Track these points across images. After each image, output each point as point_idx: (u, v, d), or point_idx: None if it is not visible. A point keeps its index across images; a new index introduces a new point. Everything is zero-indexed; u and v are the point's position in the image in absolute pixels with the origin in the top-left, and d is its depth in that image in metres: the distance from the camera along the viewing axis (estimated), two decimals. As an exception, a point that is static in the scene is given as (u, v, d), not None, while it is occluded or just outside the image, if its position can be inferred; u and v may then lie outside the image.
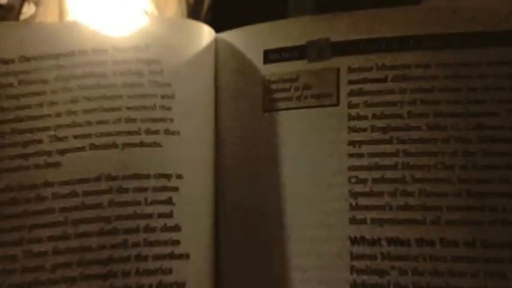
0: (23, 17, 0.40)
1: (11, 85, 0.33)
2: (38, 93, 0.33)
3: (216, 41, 0.35)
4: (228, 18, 0.35)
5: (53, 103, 0.32)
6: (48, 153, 0.32)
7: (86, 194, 0.31)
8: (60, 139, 0.32)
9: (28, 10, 0.40)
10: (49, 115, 0.32)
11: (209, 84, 0.35)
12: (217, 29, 0.36)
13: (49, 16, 0.39)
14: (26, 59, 0.33)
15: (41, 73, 0.33)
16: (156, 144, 0.32)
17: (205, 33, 0.35)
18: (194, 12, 0.41)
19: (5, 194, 0.31)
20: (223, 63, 0.35)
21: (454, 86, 0.32)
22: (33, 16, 0.40)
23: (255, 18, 0.35)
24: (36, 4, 0.41)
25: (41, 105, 0.32)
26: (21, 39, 0.34)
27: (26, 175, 0.31)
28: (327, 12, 0.34)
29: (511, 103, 0.31)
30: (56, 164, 0.31)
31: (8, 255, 0.30)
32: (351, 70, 0.33)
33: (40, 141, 0.32)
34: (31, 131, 0.32)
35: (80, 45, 0.33)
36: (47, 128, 0.32)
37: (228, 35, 0.35)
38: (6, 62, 0.33)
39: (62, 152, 0.32)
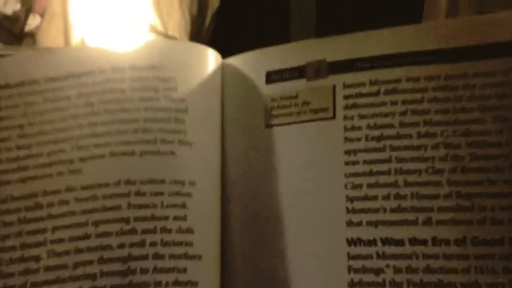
0: (27, 28, 0.43)
1: (36, 103, 0.36)
2: (61, 109, 0.36)
3: (223, 64, 0.39)
4: (234, 43, 0.38)
5: (75, 116, 0.35)
6: (71, 161, 0.34)
7: (105, 197, 0.33)
8: (81, 148, 0.34)
9: (33, 21, 0.43)
10: (71, 127, 0.35)
11: (217, 101, 0.38)
12: (224, 53, 0.39)
13: (54, 27, 0.43)
14: (51, 79, 0.36)
15: (64, 91, 0.36)
16: (171, 153, 0.35)
17: (214, 57, 0.38)
18: (197, 24, 0.44)
19: (31, 200, 0.34)
20: (229, 83, 0.38)
21: (443, 96, 0.34)
22: (37, 27, 0.43)
23: (259, 43, 0.38)
24: (41, 15, 0.44)
25: (64, 119, 0.35)
26: (45, 61, 0.37)
27: (50, 182, 0.34)
28: (326, 35, 0.37)
29: (496, 110, 0.33)
30: (78, 171, 0.34)
31: (32, 256, 0.33)
32: (346, 86, 0.35)
33: (63, 151, 0.35)
34: (55, 142, 0.35)
35: (100, 65, 0.36)
36: (69, 139, 0.35)
37: (234, 59, 0.39)
38: (32, 82, 0.37)
39: (83, 160, 0.34)
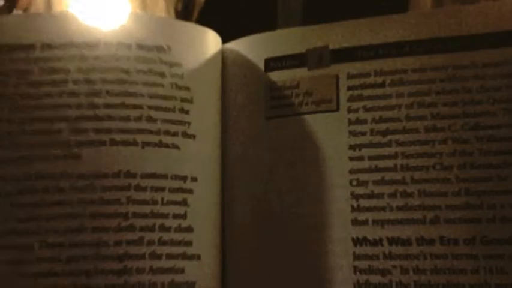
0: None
1: (31, 72, 0.33)
2: (58, 83, 0.33)
3: (223, 49, 0.37)
4: (218, 30, 0.36)
5: (74, 94, 0.32)
6: (68, 145, 0.32)
7: (104, 189, 0.31)
8: (80, 131, 0.32)
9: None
10: (69, 106, 0.32)
11: (218, 91, 0.36)
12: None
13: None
14: (48, 46, 0.33)
15: (63, 62, 0.33)
16: (174, 146, 0.33)
17: (217, 41, 0.36)
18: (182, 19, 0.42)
19: (24, 182, 0.31)
20: (228, 71, 0.36)
21: (451, 88, 0.32)
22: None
23: (245, 30, 0.36)
24: (25, 11, 0.41)
25: (61, 95, 0.32)
26: (42, 26, 0.34)
27: (45, 164, 0.32)
28: (315, 20, 0.35)
29: (506, 102, 0.31)
30: (75, 156, 0.32)
31: (25, 245, 0.31)
32: (349, 76, 0.34)
33: (59, 132, 0.32)
34: (51, 120, 0.32)
35: (105, 37, 0.33)
36: (67, 118, 0.32)
37: (232, 44, 0.37)
38: (25, 48, 0.33)
39: (81, 145, 0.32)
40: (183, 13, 0.43)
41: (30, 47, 0.33)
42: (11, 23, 0.34)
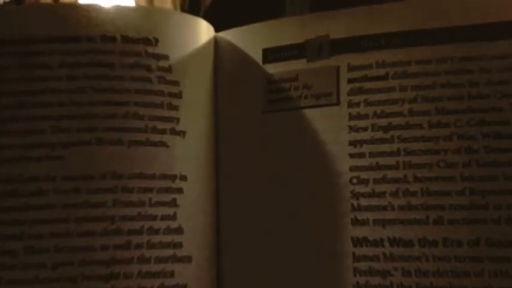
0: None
1: (8, 67, 0.31)
2: (40, 79, 0.31)
3: (215, 39, 0.35)
4: (223, 19, 0.35)
5: (56, 91, 0.31)
6: (51, 145, 0.31)
7: (90, 191, 0.30)
8: (63, 130, 0.31)
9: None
10: (51, 103, 0.31)
11: (209, 84, 0.34)
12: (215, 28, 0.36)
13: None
14: (27, 40, 0.32)
15: (44, 57, 0.31)
16: (162, 144, 0.32)
17: (208, 31, 0.35)
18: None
19: (5, 185, 0.30)
20: (222, 62, 0.35)
21: (456, 81, 0.31)
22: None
23: (251, 18, 0.34)
24: None
25: (43, 92, 0.31)
26: (21, 19, 0.32)
27: (27, 166, 0.30)
28: (323, 11, 0.33)
29: (514, 97, 0.30)
30: (59, 157, 0.31)
31: (9, 250, 0.30)
32: (350, 68, 0.32)
33: (42, 132, 0.31)
34: (32, 119, 0.31)
35: (88, 31, 0.32)
36: (49, 118, 0.31)
37: (227, 34, 0.35)
38: (2, 42, 0.32)
39: (65, 145, 0.31)
40: (190, 10, 0.41)
41: (8, 41, 0.32)
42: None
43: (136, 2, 0.40)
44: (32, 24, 0.32)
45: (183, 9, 0.42)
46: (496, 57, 0.31)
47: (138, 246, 0.30)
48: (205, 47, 0.34)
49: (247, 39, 0.35)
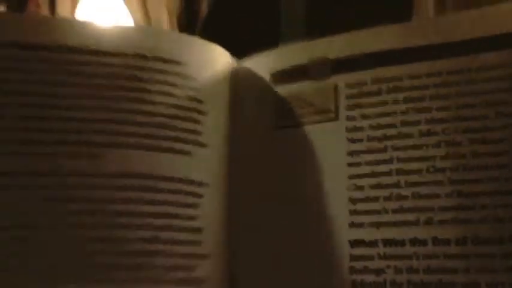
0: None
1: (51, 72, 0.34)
2: (81, 85, 0.34)
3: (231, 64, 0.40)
4: (222, 42, 0.39)
5: (100, 97, 0.35)
6: (94, 145, 0.34)
7: (125, 188, 0.34)
8: (103, 133, 0.34)
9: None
10: (98, 108, 0.34)
11: (227, 104, 0.39)
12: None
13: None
14: (71, 49, 0.35)
15: (87, 66, 0.35)
16: (186, 153, 0.36)
17: (226, 58, 0.39)
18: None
19: (52, 177, 0.33)
20: (237, 86, 0.39)
21: (444, 92, 0.33)
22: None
23: (248, 41, 0.38)
24: None
25: (88, 97, 0.34)
26: (63, 30, 0.35)
27: (72, 162, 0.33)
28: (317, 33, 0.37)
29: (498, 105, 0.32)
30: (97, 157, 0.34)
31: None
32: (348, 86, 0.36)
33: (85, 132, 0.34)
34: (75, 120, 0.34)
35: (130, 50, 0.36)
36: (96, 121, 0.34)
37: (241, 61, 0.39)
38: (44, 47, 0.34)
39: (102, 146, 0.34)
40: (186, 25, 0.46)
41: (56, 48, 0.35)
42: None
43: (134, 19, 0.44)
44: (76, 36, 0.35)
45: (179, 21, 0.47)
46: (480, 69, 0.33)
47: (164, 241, 0.34)
48: (224, 71, 0.39)
49: (259, 63, 0.39)
